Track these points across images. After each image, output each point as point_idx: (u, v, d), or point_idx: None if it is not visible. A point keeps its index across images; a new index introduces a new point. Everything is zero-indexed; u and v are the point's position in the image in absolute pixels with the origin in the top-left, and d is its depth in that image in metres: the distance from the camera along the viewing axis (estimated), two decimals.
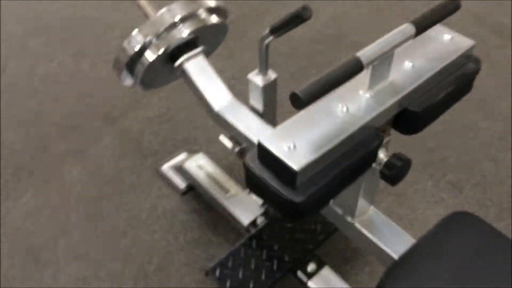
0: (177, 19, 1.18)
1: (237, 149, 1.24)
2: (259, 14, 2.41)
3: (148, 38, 1.18)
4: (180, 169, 1.66)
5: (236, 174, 1.68)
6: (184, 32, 1.20)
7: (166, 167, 1.74)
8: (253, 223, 1.44)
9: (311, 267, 1.33)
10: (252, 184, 0.86)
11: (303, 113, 0.87)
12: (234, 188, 1.54)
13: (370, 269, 1.49)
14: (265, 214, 1.46)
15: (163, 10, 1.18)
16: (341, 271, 1.42)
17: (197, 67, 1.26)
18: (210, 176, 1.58)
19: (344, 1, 2.46)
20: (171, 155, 1.78)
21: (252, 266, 1.33)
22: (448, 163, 1.78)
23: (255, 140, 1.16)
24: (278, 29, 1.04)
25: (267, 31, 1.07)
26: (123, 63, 1.21)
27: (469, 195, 1.67)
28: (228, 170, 1.67)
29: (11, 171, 1.76)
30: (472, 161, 1.78)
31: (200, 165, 1.60)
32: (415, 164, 1.72)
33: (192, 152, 1.80)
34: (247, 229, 1.44)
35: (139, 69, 1.22)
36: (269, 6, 2.44)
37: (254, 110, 1.25)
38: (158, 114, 1.95)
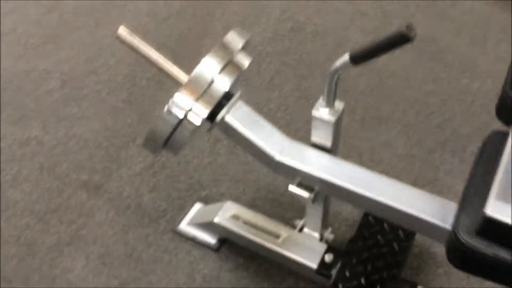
0: (216, 73, 0.97)
1: (312, 196, 1.07)
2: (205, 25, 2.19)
3: (192, 101, 0.96)
4: (209, 226, 1.44)
5: (275, 213, 1.51)
6: (225, 84, 0.99)
7: (185, 226, 1.51)
8: (322, 263, 1.29)
9: None
10: (473, 264, 0.71)
11: None
12: (284, 230, 1.37)
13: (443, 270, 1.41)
14: (330, 249, 1.31)
15: (201, 66, 0.96)
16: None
17: (241, 116, 1.06)
18: (251, 224, 1.39)
19: None
20: (184, 210, 1.56)
21: None
22: (461, 134, 1.74)
23: (336, 180, 1.01)
24: (365, 57, 0.87)
25: (345, 59, 0.90)
26: (165, 136, 0.98)
27: None
28: (265, 211, 1.49)
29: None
30: (482, 125, 1.75)
31: (234, 215, 1.40)
32: (432, 145, 1.70)
33: (204, 199, 1.58)
34: (318, 271, 1.28)
35: (183, 136, 1.00)
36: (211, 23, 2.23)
37: (318, 147, 1.08)
38: (147, 165, 1.69)
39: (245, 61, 1.02)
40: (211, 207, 1.50)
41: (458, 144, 1.71)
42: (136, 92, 1.92)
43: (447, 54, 2.01)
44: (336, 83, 0.96)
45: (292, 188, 1.08)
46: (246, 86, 1.90)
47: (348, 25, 2.15)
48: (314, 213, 1.29)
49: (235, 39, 1.01)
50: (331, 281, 1.25)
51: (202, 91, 0.96)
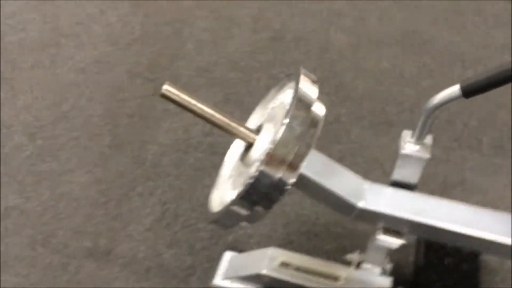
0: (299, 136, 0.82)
1: (403, 241, 0.96)
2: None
3: (280, 170, 0.80)
4: (254, 278, 1.29)
5: (314, 247, 1.39)
6: (310, 144, 0.85)
7: (220, 280, 1.35)
8: None
9: None
10: None
11: None
12: (341, 270, 1.25)
13: None
14: (399, 283, 1.21)
15: (286, 123, 0.80)
16: None
17: (316, 166, 0.92)
18: (304, 270, 1.25)
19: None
20: (213, 262, 1.39)
21: None
22: (472, 126, 1.70)
23: (428, 221, 0.91)
24: (478, 90, 0.76)
25: (454, 92, 0.78)
26: (248, 209, 0.82)
27: None
28: (302, 246, 1.37)
29: None
30: (488, 114, 1.73)
31: (283, 263, 1.26)
32: (447, 142, 1.65)
33: (232, 245, 1.43)
34: None
35: (273, 199, 0.84)
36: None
37: (399, 184, 0.97)
38: (157, 217, 1.50)
39: (321, 111, 0.87)
40: (250, 256, 1.35)
41: (472, 138, 1.67)
42: (120, 133, 1.71)
43: (432, 45, 1.97)
44: (434, 118, 0.85)
45: (381, 237, 0.96)
46: (240, 109, 1.75)
47: (327, 27, 2.04)
48: (378, 247, 1.18)
49: (308, 88, 0.86)
50: None
51: (289, 158, 0.80)
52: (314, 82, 0.87)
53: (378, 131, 1.70)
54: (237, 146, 1.06)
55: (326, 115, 0.83)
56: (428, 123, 0.86)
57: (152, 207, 1.52)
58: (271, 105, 1.01)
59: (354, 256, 1.28)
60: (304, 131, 0.81)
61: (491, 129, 1.68)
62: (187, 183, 1.57)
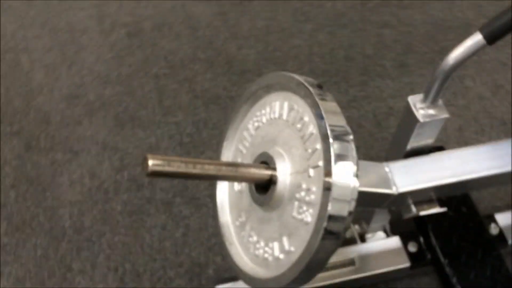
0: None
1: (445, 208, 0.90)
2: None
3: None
4: None
5: None
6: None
7: None
8: (412, 255, 1.16)
9: None
10: None
11: None
12: (351, 253, 1.18)
13: None
14: (405, 237, 1.19)
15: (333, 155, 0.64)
16: None
17: None
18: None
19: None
20: None
21: None
22: (370, 55, 1.70)
23: (457, 179, 0.86)
24: (505, 31, 0.69)
25: (476, 40, 0.70)
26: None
27: None
28: None
29: None
30: (375, 37, 1.74)
31: None
32: (358, 77, 1.59)
33: (216, 278, 1.26)
34: (413, 266, 1.16)
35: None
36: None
37: (415, 152, 0.90)
38: (117, 286, 1.25)
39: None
40: None
41: (376, 66, 1.67)
42: (13, 212, 1.35)
43: None
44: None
45: (414, 210, 0.89)
46: (141, 127, 1.50)
47: (182, 2, 1.83)
48: (382, 215, 1.13)
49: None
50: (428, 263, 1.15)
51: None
52: (321, 89, 0.71)
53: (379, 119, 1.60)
54: (227, 189, 0.88)
55: None
56: (447, 83, 0.78)
57: (104, 279, 1.25)
58: (250, 126, 0.84)
59: (355, 231, 1.22)
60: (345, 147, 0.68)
61: (387, 51, 1.70)
62: (128, 235, 1.32)
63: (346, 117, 0.68)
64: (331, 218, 0.64)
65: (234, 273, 0.82)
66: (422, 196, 0.88)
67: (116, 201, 1.38)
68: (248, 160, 0.84)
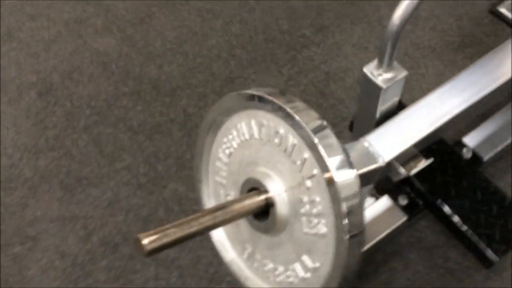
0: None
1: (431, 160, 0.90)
2: None
3: None
4: None
5: None
6: None
7: None
8: (405, 207, 1.17)
9: None
10: None
11: None
12: None
13: None
14: (393, 193, 1.19)
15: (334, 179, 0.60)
16: None
17: None
18: None
19: None
20: None
21: None
22: (287, 28, 1.67)
23: (440, 122, 0.86)
24: None
25: None
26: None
27: None
28: None
29: None
30: (289, 9, 1.71)
31: None
32: (284, 55, 1.56)
33: None
34: (410, 219, 1.17)
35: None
36: None
37: (386, 115, 0.88)
38: None
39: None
40: None
41: (296, 38, 1.65)
42: None
43: None
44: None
45: (403, 171, 0.88)
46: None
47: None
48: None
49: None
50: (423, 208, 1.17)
51: None
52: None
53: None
54: None
55: None
56: (397, 43, 0.76)
57: None
58: (221, 155, 0.79)
59: None
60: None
61: (302, 21, 1.67)
62: None
63: None
64: (350, 216, 0.61)
65: None
66: (407, 156, 0.87)
67: (97, 271, 1.28)
68: (231, 189, 0.79)
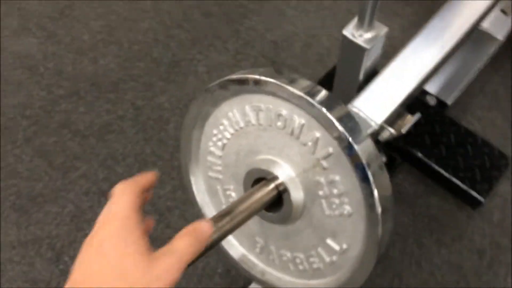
0: None
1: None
2: None
3: None
4: None
5: None
6: None
7: None
8: None
9: None
10: None
11: None
12: None
13: None
14: None
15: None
16: None
17: None
18: None
19: None
20: None
21: None
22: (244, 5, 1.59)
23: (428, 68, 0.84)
24: None
25: None
26: None
27: None
28: None
29: None
30: None
31: None
32: (237, 47, 1.48)
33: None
34: None
35: None
36: None
37: (370, 76, 0.85)
38: None
39: None
40: None
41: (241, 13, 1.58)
42: None
43: None
44: None
45: (391, 130, 0.86)
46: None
47: None
48: None
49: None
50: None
51: None
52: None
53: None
54: None
55: None
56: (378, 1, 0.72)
57: None
58: (213, 148, 0.72)
59: None
60: None
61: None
62: None
63: None
64: (379, 188, 0.57)
65: None
66: (395, 115, 0.85)
67: None
68: (230, 183, 0.73)
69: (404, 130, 0.86)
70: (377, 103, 0.81)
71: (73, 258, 1.19)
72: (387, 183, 0.59)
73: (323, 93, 0.60)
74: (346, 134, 0.57)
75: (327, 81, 1.14)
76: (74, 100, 1.42)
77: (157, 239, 1.26)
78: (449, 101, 1.23)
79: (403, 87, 0.83)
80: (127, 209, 0.44)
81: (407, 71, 0.84)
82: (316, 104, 0.57)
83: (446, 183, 1.10)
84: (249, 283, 1.12)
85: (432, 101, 1.23)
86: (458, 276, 1.17)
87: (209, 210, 0.79)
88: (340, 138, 0.57)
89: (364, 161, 0.57)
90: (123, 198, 0.45)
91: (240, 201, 0.61)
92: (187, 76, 1.44)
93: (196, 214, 1.22)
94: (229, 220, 0.58)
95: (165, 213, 1.26)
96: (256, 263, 0.75)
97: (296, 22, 1.52)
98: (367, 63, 0.79)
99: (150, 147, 1.35)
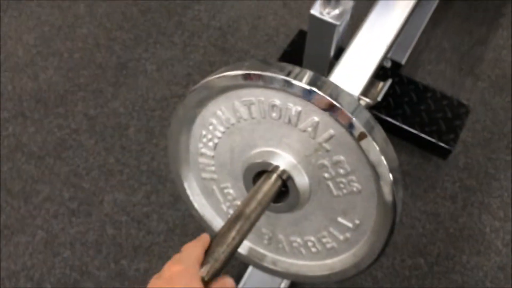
0: None
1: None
2: None
3: None
4: None
5: None
6: None
7: None
8: None
9: None
10: None
11: None
12: None
13: None
14: None
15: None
16: None
17: None
18: None
19: None
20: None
21: None
22: None
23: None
24: None
25: None
26: None
27: None
28: None
29: None
30: None
31: None
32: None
33: None
34: None
35: None
36: None
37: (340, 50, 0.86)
38: None
39: None
40: None
41: None
42: None
43: None
44: None
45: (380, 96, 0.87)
46: None
47: None
48: None
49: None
50: None
51: None
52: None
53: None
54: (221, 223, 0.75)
55: None
56: None
57: None
58: (204, 150, 0.71)
59: None
60: None
61: None
62: None
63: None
64: (388, 160, 0.58)
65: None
66: (368, 85, 0.86)
67: None
68: (227, 181, 0.72)
69: (379, 98, 0.87)
70: (352, 76, 0.82)
71: (56, 284, 1.15)
72: (394, 154, 0.60)
73: (315, 76, 0.59)
74: (349, 115, 0.57)
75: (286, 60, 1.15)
76: (21, 121, 1.33)
77: (140, 246, 1.24)
78: (403, 61, 1.26)
79: (372, 57, 0.84)
80: (194, 260, 0.52)
81: (373, 41, 0.85)
82: (316, 90, 0.57)
83: (415, 139, 1.14)
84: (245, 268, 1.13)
85: (387, 64, 1.26)
86: (436, 224, 1.23)
87: (208, 211, 0.77)
88: (344, 119, 0.57)
89: (370, 137, 0.57)
90: (192, 250, 0.53)
91: (248, 200, 0.60)
92: (137, 77, 1.39)
93: (175, 215, 1.21)
94: (244, 221, 0.57)
95: (143, 219, 1.22)
96: (266, 254, 0.75)
97: (239, 6, 1.50)
98: (337, 38, 0.80)
99: (113, 156, 1.30)
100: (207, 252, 0.54)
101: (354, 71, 0.82)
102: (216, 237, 0.56)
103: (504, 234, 1.22)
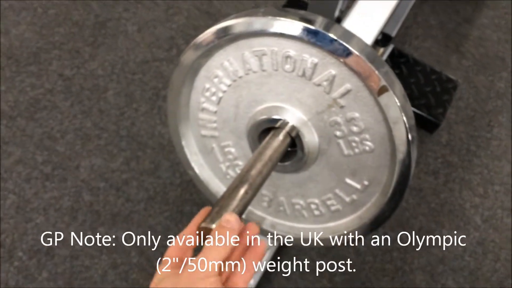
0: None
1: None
2: None
3: None
4: None
5: None
6: None
7: None
8: None
9: None
10: None
11: None
12: None
13: None
14: None
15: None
16: None
17: None
18: None
19: None
20: None
21: None
22: None
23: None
24: None
25: None
26: None
27: None
28: None
29: None
30: None
31: None
32: None
33: None
34: None
35: None
36: None
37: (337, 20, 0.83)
38: None
39: None
40: None
41: None
42: None
43: None
44: None
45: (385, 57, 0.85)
46: None
47: None
48: None
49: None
50: None
51: None
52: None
53: None
54: (223, 188, 0.71)
55: None
56: None
57: None
58: (206, 104, 0.67)
59: None
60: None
61: None
62: None
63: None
64: (407, 117, 0.56)
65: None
66: None
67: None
68: (229, 139, 0.68)
69: (383, 59, 0.85)
70: (361, 30, 0.80)
71: (28, 252, 1.08)
72: (412, 113, 0.58)
73: (338, 26, 0.56)
74: (372, 67, 0.54)
75: None
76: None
77: (118, 214, 1.19)
78: (393, 34, 1.25)
79: (375, 21, 0.82)
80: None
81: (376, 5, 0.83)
82: (339, 40, 0.54)
83: None
84: None
85: (378, 36, 1.24)
86: (418, 199, 1.23)
87: (205, 172, 0.73)
88: (366, 72, 0.55)
89: (391, 91, 0.55)
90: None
91: (255, 158, 0.57)
92: (116, 37, 1.32)
93: (156, 183, 1.16)
94: (256, 177, 0.54)
95: (122, 186, 1.17)
96: (264, 216, 0.72)
97: None
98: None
99: (90, 119, 1.23)
100: (218, 211, 0.50)
101: (362, 25, 0.80)
102: (226, 192, 0.52)
103: (483, 210, 1.24)
